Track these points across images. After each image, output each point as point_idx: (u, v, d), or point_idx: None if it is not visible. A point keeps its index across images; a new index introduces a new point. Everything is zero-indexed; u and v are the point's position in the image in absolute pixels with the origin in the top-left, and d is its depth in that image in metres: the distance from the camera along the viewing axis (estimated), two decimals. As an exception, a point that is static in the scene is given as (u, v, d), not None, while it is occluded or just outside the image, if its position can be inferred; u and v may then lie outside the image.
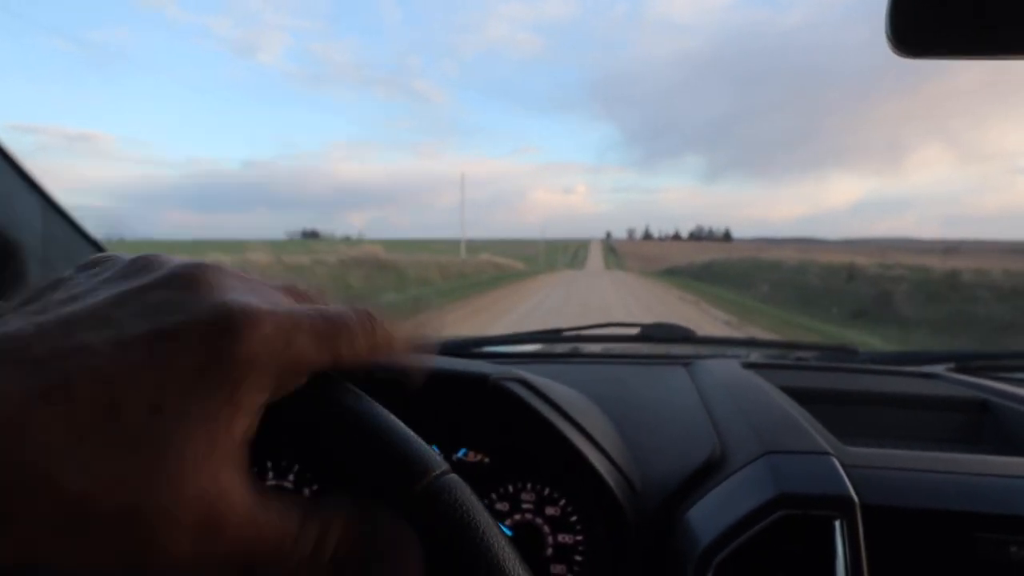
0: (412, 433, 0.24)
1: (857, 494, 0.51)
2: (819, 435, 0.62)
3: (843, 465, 0.55)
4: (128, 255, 0.24)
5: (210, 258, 0.25)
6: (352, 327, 0.23)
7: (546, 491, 0.66)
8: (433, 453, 0.24)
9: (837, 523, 0.50)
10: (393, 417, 0.24)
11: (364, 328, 0.24)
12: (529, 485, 0.67)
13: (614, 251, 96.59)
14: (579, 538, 0.64)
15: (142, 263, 0.22)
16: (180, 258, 0.23)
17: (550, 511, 0.66)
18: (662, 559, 0.58)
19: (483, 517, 0.23)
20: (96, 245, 0.84)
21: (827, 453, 0.58)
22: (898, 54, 0.51)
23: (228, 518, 0.19)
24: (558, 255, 75.51)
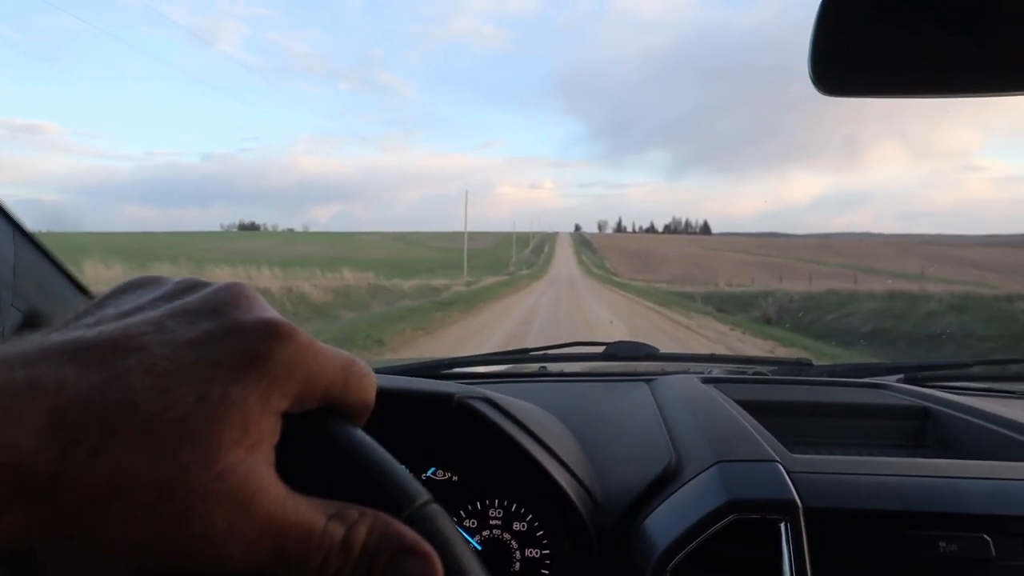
0: (396, 462, 0.27)
1: (800, 497, 0.59)
2: (767, 444, 0.71)
3: (788, 471, 0.63)
4: (172, 278, 0.28)
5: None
6: (360, 367, 0.27)
7: (513, 507, 0.73)
8: (416, 483, 0.27)
9: (782, 525, 0.57)
10: (377, 445, 0.27)
11: (363, 371, 0.27)
12: (496, 501, 0.73)
13: (589, 246, 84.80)
14: (546, 552, 0.71)
15: (186, 284, 0.26)
16: (220, 281, 0.27)
17: (517, 526, 0.72)
18: (622, 568, 0.65)
19: (462, 546, 0.25)
20: (66, 272, 0.88)
21: (774, 460, 0.66)
22: (822, 93, 0.58)
23: (259, 499, 0.22)
24: (510, 252, 59.88)
